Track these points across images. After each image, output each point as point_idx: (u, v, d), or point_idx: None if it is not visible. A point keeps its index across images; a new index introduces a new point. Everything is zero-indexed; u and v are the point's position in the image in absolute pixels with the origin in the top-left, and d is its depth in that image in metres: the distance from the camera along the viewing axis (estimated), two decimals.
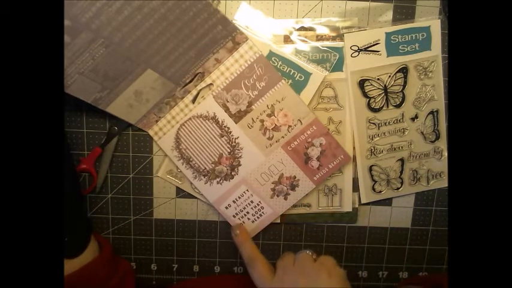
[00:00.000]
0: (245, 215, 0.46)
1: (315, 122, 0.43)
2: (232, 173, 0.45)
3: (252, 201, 0.46)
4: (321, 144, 0.44)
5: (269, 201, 0.46)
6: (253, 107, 0.43)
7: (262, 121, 0.43)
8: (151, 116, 0.43)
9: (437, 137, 0.47)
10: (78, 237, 0.40)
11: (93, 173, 0.45)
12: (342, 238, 0.49)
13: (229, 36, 0.40)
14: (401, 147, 0.47)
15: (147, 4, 0.36)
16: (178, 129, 0.44)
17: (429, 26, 0.44)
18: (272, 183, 0.45)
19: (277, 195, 0.46)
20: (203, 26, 0.39)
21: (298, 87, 0.44)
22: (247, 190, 0.45)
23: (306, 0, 0.43)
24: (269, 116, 0.43)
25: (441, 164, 0.48)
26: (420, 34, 0.44)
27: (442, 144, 0.47)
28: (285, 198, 0.46)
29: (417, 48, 0.44)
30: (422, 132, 0.47)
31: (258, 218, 0.46)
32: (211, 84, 0.42)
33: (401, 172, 0.47)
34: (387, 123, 0.46)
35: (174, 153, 0.44)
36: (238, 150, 0.44)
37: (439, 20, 0.44)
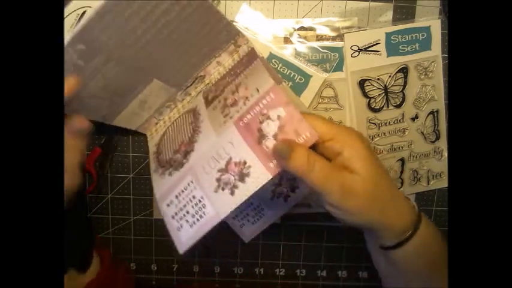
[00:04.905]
0: (184, 215, 0.35)
1: (273, 89, 0.33)
2: (184, 161, 0.37)
3: (194, 197, 0.35)
4: (279, 117, 0.33)
5: (212, 197, 0.34)
6: (225, 89, 0.38)
7: (225, 99, 0.37)
8: (152, 120, 0.43)
9: (438, 137, 0.47)
10: (87, 252, 0.40)
11: (93, 173, 0.45)
12: (342, 238, 0.49)
13: (231, 40, 0.40)
14: (402, 147, 0.47)
15: (159, 21, 0.34)
16: (169, 126, 0.42)
17: (429, 26, 0.44)
18: (218, 171, 0.34)
19: (223, 189, 0.34)
20: (209, 34, 0.38)
21: (298, 89, 0.44)
22: (192, 181, 0.35)
23: (306, 0, 0.43)
24: (233, 93, 0.36)
25: (441, 164, 0.47)
26: (420, 34, 0.44)
27: (442, 144, 0.47)
28: (232, 193, 0.33)
29: (417, 48, 0.44)
30: (422, 132, 0.47)
31: (197, 220, 0.34)
32: (208, 84, 0.42)
33: (401, 172, 0.47)
34: (387, 123, 0.46)
35: (154, 148, 0.42)
36: (197, 134, 0.37)
37: (439, 20, 0.44)
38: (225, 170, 0.34)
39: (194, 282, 0.50)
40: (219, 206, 0.34)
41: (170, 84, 0.40)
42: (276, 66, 0.43)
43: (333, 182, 0.32)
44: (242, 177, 0.33)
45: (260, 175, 0.33)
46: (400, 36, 0.44)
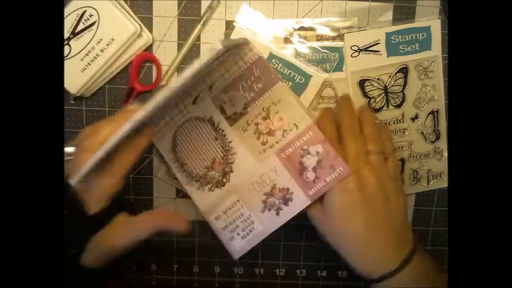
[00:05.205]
0: (235, 229, 0.42)
1: (312, 127, 0.39)
2: (224, 180, 0.42)
3: (242, 214, 0.42)
4: (317, 152, 0.39)
5: (260, 216, 0.41)
6: (249, 109, 0.41)
7: (257, 124, 0.41)
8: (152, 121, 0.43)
9: (438, 137, 0.47)
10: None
11: None
12: None
13: (240, 51, 0.40)
14: (402, 148, 0.47)
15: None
16: (176, 130, 0.42)
17: (429, 26, 0.44)
18: (264, 194, 0.41)
19: (269, 209, 0.41)
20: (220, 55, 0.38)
21: (299, 89, 0.44)
22: (238, 201, 0.42)
23: (306, 0, 0.43)
24: (264, 119, 0.41)
25: (441, 164, 0.47)
26: (420, 34, 0.44)
27: (442, 144, 0.47)
28: (277, 214, 0.41)
29: (417, 48, 0.44)
30: (422, 133, 0.47)
31: (248, 234, 0.42)
32: (211, 85, 0.42)
33: (401, 172, 0.47)
34: (387, 124, 0.46)
35: (170, 155, 0.43)
36: (231, 155, 0.41)
37: (439, 20, 0.44)
38: (270, 194, 0.41)
39: (194, 282, 0.50)
40: (267, 224, 0.41)
41: (182, 97, 0.41)
42: (276, 66, 0.43)
43: (317, 223, 0.40)
44: (286, 201, 0.41)
45: (301, 200, 0.40)
46: (400, 36, 0.44)
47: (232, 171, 0.42)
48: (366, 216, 0.37)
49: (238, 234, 0.42)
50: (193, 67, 0.31)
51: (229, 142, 0.41)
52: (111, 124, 0.34)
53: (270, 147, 0.41)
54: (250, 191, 0.41)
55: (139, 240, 0.36)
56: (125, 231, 0.35)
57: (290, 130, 0.40)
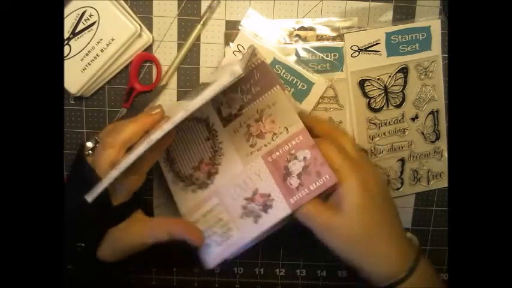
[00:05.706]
0: (212, 234, 0.39)
1: (302, 131, 0.38)
2: (208, 182, 0.40)
3: (220, 219, 0.39)
4: (305, 158, 0.37)
5: (237, 222, 0.39)
6: (243, 111, 0.40)
7: (248, 126, 0.39)
8: None
9: (438, 137, 0.47)
10: None
11: None
12: None
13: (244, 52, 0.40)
14: (402, 147, 0.47)
15: None
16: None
17: (429, 26, 0.44)
18: (244, 199, 0.39)
19: (248, 216, 0.39)
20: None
21: (301, 96, 0.44)
22: (218, 204, 0.40)
23: (306, 0, 0.43)
24: (256, 121, 0.39)
25: (441, 164, 0.48)
26: (420, 34, 0.44)
27: (442, 144, 0.47)
28: (255, 221, 0.38)
29: (417, 48, 0.44)
30: (422, 133, 0.47)
31: (224, 240, 0.39)
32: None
33: (401, 172, 0.47)
34: (387, 123, 0.46)
35: (163, 154, 0.42)
36: (219, 156, 0.40)
37: (439, 20, 0.44)
38: (251, 199, 0.38)
39: (194, 282, 0.50)
40: (244, 231, 0.38)
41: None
42: (280, 71, 0.43)
43: (315, 220, 0.36)
44: (266, 208, 0.38)
45: (281, 209, 0.38)
46: (400, 36, 0.44)
47: (217, 173, 0.40)
48: (383, 217, 0.36)
49: (215, 240, 0.39)
50: (214, 89, 0.30)
51: (219, 143, 0.40)
52: (134, 124, 0.35)
53: (258, 150, 0.39)
54: (231, 194, 0.39)
55: (152, 242, 0.36)
56: (140, 231, 0.36)
57: (280, 133, 0.38)
